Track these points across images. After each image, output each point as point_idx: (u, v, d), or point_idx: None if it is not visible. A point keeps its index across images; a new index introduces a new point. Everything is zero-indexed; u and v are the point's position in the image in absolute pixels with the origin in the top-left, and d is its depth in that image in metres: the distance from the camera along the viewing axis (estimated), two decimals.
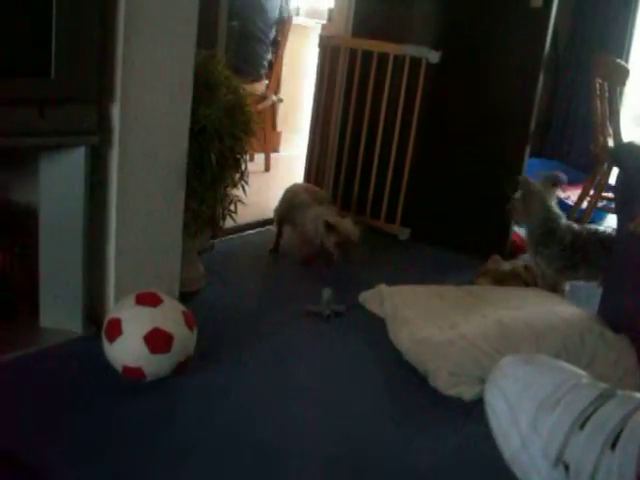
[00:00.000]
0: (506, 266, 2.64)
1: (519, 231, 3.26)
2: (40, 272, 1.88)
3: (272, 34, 4.48)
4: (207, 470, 1.41)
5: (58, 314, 1.90)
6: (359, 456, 1.53)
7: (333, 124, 3.50)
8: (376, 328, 2.22)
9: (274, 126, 5.24)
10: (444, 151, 3.24)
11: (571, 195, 3.91)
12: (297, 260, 2.81)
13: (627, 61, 4.61)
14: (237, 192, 2.29)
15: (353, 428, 1.64)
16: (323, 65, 3.50)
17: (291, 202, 2.85)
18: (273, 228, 3.02)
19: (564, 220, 2.52)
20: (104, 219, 1.88)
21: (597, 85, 3.72)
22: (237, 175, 2.25)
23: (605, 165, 3.75)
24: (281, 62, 4.73)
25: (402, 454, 1.56)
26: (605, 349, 1.97)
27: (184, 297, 2.11)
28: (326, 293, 2.27)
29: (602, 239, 2.43)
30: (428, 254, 3.15)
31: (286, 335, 2.12)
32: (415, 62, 3.15)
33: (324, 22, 4.12)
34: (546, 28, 2.94)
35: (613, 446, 1.05)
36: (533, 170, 3.09)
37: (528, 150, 3.09)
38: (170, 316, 1.70)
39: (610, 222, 4.09)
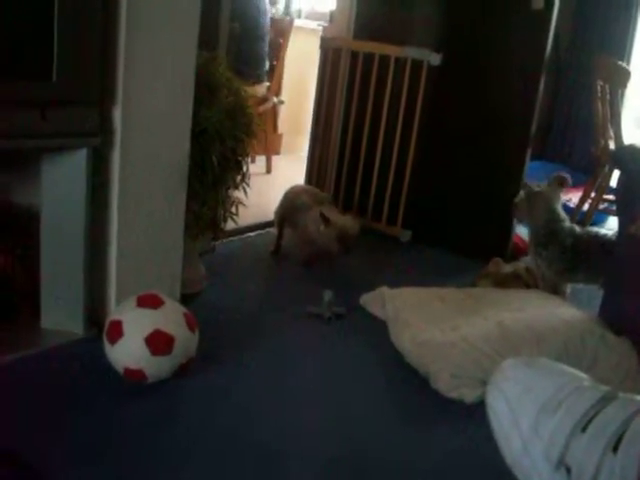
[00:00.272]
0: (507, 268, 2.63)
1: (520, 233, 3.26)
2: (41, 273, 1.88)
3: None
4: (208, 471, 1.41)
5: (59, 315, 1.90)
6: (360, 458, 1.53)
7: (334, 126, 3.50)
8: (377, 330, 2.22)
9: (275, 128, 5.25)
10: (445, 153, 3.24)
11: (572, 197, 3.91)
12: (298, 262, 2.81)
13: (628, 63, 4.61)
14: (238, 194, 2.29)
15: (354, 430, 1.64)
16: (324, 67, 3.50)
17: (292, 204, 2.85)
18: (274, 230, 3.02)
19: (567, 223, 2.51)
20: (105, 220, 1.88)
21: (598, 87, 3.72)
22: (238, 177, 2.25)
23: (606, 167, 3.75)
24: (282, 64, 4.73)
25: (403, 456, 1.56)
26: (606, 352, 1.97)
27: (185, 299, 2.11)
28: (327, 295, 2.27)
29: (603, 242, 2.43)
30: (429, 256, 3.15)
31: (287, 337, 2.12)
32: (416, 64, 3.16)
33: (326, 24, 4.13)
34: (547, 30, 2.95)
35: (615, 449, 1.05)
36: (534, 172, 3.10)
37: (529, 152, 3.09)
38: (171, 318, 1.70)
39: (611, 224, 4.10)
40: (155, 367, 1.65)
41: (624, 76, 3.73)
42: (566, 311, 2.21)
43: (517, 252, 3.16)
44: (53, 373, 1.72)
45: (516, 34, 3.03)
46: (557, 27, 3.02)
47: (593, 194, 3.78)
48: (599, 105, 3.73)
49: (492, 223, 3.15)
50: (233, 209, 2.29)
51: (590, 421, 1.09)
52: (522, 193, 2.64)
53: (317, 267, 2.79)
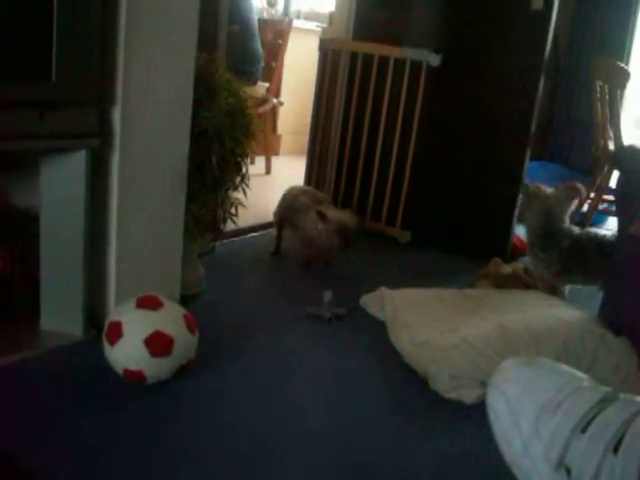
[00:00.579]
0: (507, 269, 2.63)
1: (519, 234, 3.26)
2: (41, 275, 1.88)
3: None
4: (208, 471, 1.41)
5: (59, 317, 1.90)
6: (359, 459, 1.53)
7: (334, 127, 3.50)
8: (377, 331, 2.22)
9: (275, 129, 5.25)
10: (445, 154, 3.24)
11: None
12: (298, 263, 2.81)
13: (627, 64, 4.61)
14: (238, 195, 2.29)
15: (353, 430, 1.64)
16: (324, 68, 3.50)
17: (291, 205, 2.85)
18: (274, 231, 3.02)
19: (565, 224, 2.50)
20: (105, 222, 1.88)
21: (597, 88, 3.72)
22: (238, 178, 2.25)
23: (605, 168, 3.75)
24: (282, 65, 4.73)
25: (402, 457, 1.55)
26: (606, 352, 1.97)
27: (185, 300, 2.11)
28: (327, 296, 2.27)
29: (602, 244, 2.42)
30: (428, 257, 3.15)
31: (287, 338, 2.11)
32: (416, 65, 3.16)
33: (325, 25, 4.13)
34: (547, 31, 2.95)
35: (615, 450, 1.05)
36: (534, 173, 3.10)
37: (528, 153, 3.10)
38: (171, 319, 1.70)
39: (611, 225, 4.10)
40: (155, 368, 1.65)
41: (623, 77, 3.73)
42: (565, 312, 2.21)
43: (516, 253, 3.16)
44: (52, 375, 1.72)
45: (515, 35, 3.03)
46: (556, 28, 3.03)
47: (593, 194, 3.79)
48: (598, 106, 3.73)
49: (491, 224, 3.15)
50: (232, 210, 2.29)
51: (590, 422, 1.09)
52: (522, 195, 2.63)
53: (316, 268, 2.79)
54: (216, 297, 2.33)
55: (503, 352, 1.85)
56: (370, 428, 1.67)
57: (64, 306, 1.89)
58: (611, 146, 3.70)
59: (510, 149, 3.10)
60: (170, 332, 1.66)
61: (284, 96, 5.04)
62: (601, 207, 3.87)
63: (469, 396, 1.81)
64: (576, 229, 2.51)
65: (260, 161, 4.61)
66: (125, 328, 1.64)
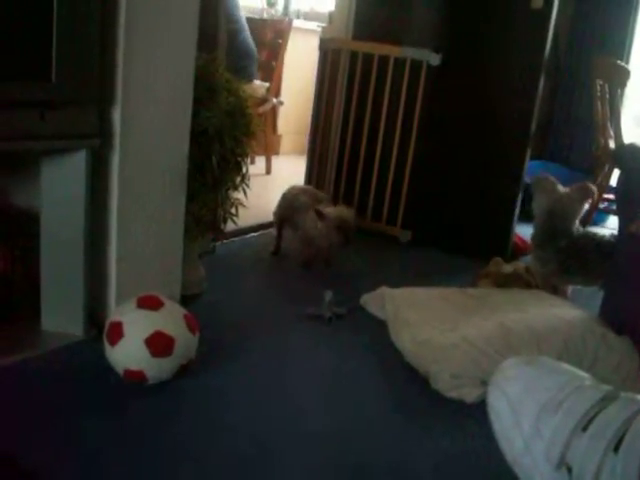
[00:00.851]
0: (508, 268, 2.63)
1: (520, 233, 3.26)
2: (41, 275, 1.88)
3: None
4: (209, 472, 1.41)
5: (59, 317, 1.90)
6: (359, 458, 1.52)
7: (334, 127, 3.50)
8: (377, 330, 2.22)
9: (275, 129, 5.25)
10: (445, 153, 3.24)
11: None
12: (298, 262, 2.81)
13: (627, 62, 4.61)
14: (238, 195, 2.29)
15: (354, 430, 1.64)
16: (324, 68, 3.50)
17: (290, 204, 2.85)
18: (274, 231, 3.02)
19: (573, 225, 2.48)
20: (105, 222, 1.88)
21: (598, 87, 3.72)
22: (238, 178, 2.25)
23: (606, 167, 3.75)
24: (282, 65, 4.73)
25: (403, 456, 1.55)
26: (607, 351, 1.97)
27: (185, 300, 2.11)
28: (327, 295, 2.27)
29: (601, 245, 2.42)
30: (429, 256, 3.15)
31: (287, 337, 2.11)
32: (416, 64, 3.16)
33: (325, 25, 4.13)
34: (547, 30, 2.95)
35: (616, 449, 1.05)
36: (534, 172, 3.09)
37: (529, 152, 3.09)
38: (171, 319, 1.70)
39: (612, 223, 4.10)
40: (155, 368, 1.65)
41: (623, 75, 3.73)
42: (567, 311, 2.21)
43: (517, 252, 3.16)
44: (53, 375, 1.72)
45: (515, 34, 3.03)
46: (556, 26, 3.03)
47: None
48: (599, 104, 3.73)
49: (492, 223, 3.15)
50: (233, 210, 2.29)
51: (591, 421, 1.09)
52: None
53: (317, 267, 2.79)
54: (217, 297, 2.33)
55: (504, 351, 1.85)
56: (371, 427, 1.66)
57: (65, 306, 1.89)
58: (612, 145, 3.70)
59: (510, 148, 3.10)
60: (171, 332, 1.65)
61: (284, 96, 5.04)
62: (602, 206, 3.87)
63: (470, 395, 1.81)
64: (576, 229, 2.50)
65: (260, 161, 4.61)
66: (126, 328, 1.64)
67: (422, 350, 1.98)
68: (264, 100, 4.53)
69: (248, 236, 3.14)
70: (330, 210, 2.69)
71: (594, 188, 2.54)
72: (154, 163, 1.92)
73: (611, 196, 3.67)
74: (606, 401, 1.11)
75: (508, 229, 3.14)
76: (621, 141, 3.64)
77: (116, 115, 1.79)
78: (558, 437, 1.10)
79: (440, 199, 3.28)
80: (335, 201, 3.36)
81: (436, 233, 3.27)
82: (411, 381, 1.91)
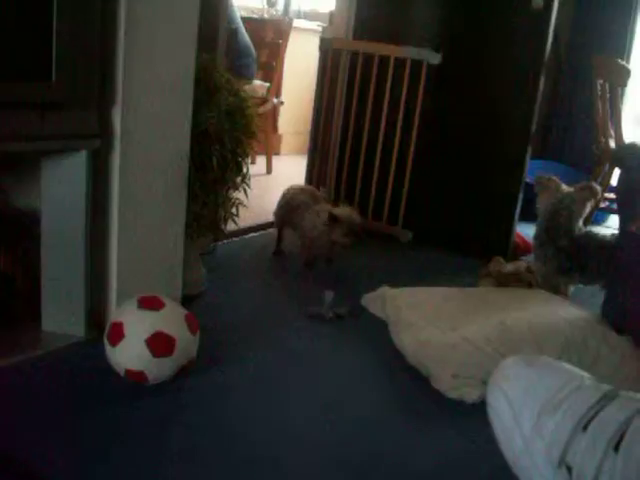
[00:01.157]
0: (509, 267, 2.63)
1: (521, 232, 3.26)
2: (42, 276, 1.89)
3: None
4: (209, 471, 1.41)
5: (60, 318, 1.90)
6: (360, 458, 1.53)
7: (334, 126, 3.50)
8: (378, 330, 2.22)
9: (275, 129, 5.26)
10: (446, 153, 3.24)
11: None
12: (300, 262, 2.81)
13: (628, 61, 4.60)
14: (239, 195, 2.29)
15: (355, 430, 1.64)
16: (324, 68, 3.50)
17: (290, 204, 2.85)
18: (274, 231, 3.02)
19: (576, 225, 2.48)
20: (106, 222, 1.88)
21: (598, 86, 3.72)
22: (239, 178, 2.25)
23: (607, 166, 3.75)
24: (282, 65, 4.74)
25: (404, 456, 1.55)
26: (608, 351, 1.97)
27: (186, 300, 2.11)
28: (328, 296, 2.27)
29: (602, 245, 2.42)
30: (430, 256, 3.15)
31: (288, 338, 2.11)
32: (416, 64, 3.16)
33: (325, 25, 4.13)
34: (547, 29, 2.95)
35: (616, 448, 1.05)
36: (535, 171, 3.09)
37: (530, 151, 3.09)
38: (173, 319, 1.70)
39: (612, 223, 4.10)
40: (156, 369, 1.65)
41: (624, 74, 3.73)
42: (568, 310, 2.21)
43: (518, 251, 3.16)
44: (54, 375, 1.72)
45: (516, 33, 3.03)
46: (557, 26, 3.02)
47: None
48: (599, 104, 3.73)
49: (493, 222, 3.15)
50: (233, 210, 2.29)
51: (591, 420, 1.09)
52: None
53: (318, 267, 2.79)
54: (217, 297, 2.33)
55: (505, 351, 1.85)
56: (372, 427, 1.67)
57: (66, 307, 1.89)
58: (612, 144, 3.69)
59: (511, 148, 3.10)
60: (172, 332, 1.66)
61: (285, 96, 5.04)
62: (602, 205, 3.86)
63: (471, 395, 1.81)
64: (580, 229, 2.50)
65: (261, 161, 4.61)
66: (127, 328, 1.64)
67: (423, 350, 1.98)
68: (265, 100, 4.54)
69: (249, 236, 3.15)
70: (340, 212, 2.67)
71: (599, 188, 2.54)
72: (154, 163, 1.92)
73: (612, 195, 3.67)
74: (606, 400, 1.11)
75: (509, 228, 3.14)
76: (622, 140, 3.64)
77: (116, 116, 1.79)
78: (558, 437, 1.10)
79: (441, 199, 3.28)
80: (336, 201, 3.36)
81: (437, 233, 3.27)
82: (412, 381, 1.91)
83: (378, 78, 3.27)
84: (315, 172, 3.62)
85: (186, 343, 1.69)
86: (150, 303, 1.70)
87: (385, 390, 1.89)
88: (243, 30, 4.36)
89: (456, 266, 3.03)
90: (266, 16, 5.61)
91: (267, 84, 4.61)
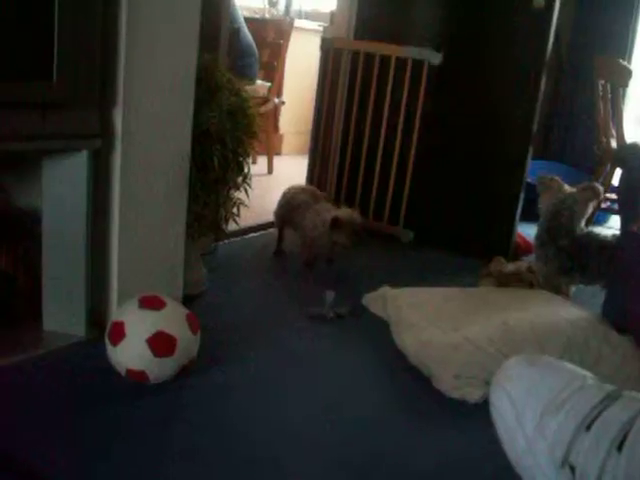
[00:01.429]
0: (510, 268, 2.63)
1: (522, 232, 3.26)
2: (43, 275, 1.88)
3: None
4: (210, 472, 1.41)
5: (61, 317, 1.90)
6: (362, 458, 1.52)
7: (335, 126, 3.50)
8: (379, 330, 2.21)
9: (277, 128, 5.26)
10: (447, 153, 3.24)
11: None
12: (301, 261, 2.81)
13: (629, 62, 4.60)
14: (240, 195, 2.29)
15: (356, 430, 1.64)
16: (325, 68, 3.50)
17: (290, 204, 2.84)
18: (275, 231, 3.02)
19: (577, 225, 2.48)
20: (107, 222, 1.88)
21: (600, 86, 3.71)
22: (240, 178, 2.25)
23: (608, 166, 3.75)
24: (283, 65, 4.74)
25: (405, 456, 1.55)
26: (610, 351, 1.96)
27: (187, 300, 2.11)
28: (329, 295, 2.27)
29: (603, 245, 2.42)
30: (431, 256, 3.15)
31: (289, 337, 2.11)
32: (417, 64, 3.15)
33: (326, 25, 4.13)
34: (548, 29, 2.94)
35: (620, 448, 1.04)
36: (536, 172, 3.09)
37: (531, 151, 3.09)
38: (174, 319, 1.70)
39: (614, 223, 4.09)
40: (158, 368, 1.65)
41: (625, 75, 3.72)
42: (569, 310, 2.21)
43: (519, 251, 3.16)
44: (55, 375, 1.72)
45: (517, 33, 3.03)
46: (558, 26, 3.02)
47: None
48: (601, 104, 3.72)
49: (494, 222, 3.15)
50: (234, 210, 2.29)
51: (594, 420, 1.09)
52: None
53: (319, 267, 2.79)
54: (218, 297, 2.33)
55: (507, 351, 1.85)
56: (373, 428, 1.66)
57: (67, 306, 1.89)
58: (613, 144, 3.69)
59: (512, 148, 3.10)
60: (173, 332, 1.65)
61: (286, 95, 5.04)
62: (604, 205, 3.86)
63: (473, 395, 1.80)
64: (581, 229, 2.50)
65: (262, 161, 4.61)
66: (128, 328, 1.64)
67: (424, 350, 1.97)
68: (266, 100, 4.54)
69: (250, 236, 3.14)
70: (343, 214, 2.66)
71: (601, 188, 2.54)
72: (155, 163, 1.92)
73: (613, 195, 3.67)
74: (609, 400, 1.11)
75: (510, 229, 3.13)
76: (623, 140, 3.64)
77: (117, 116, 1.79)
78: (561, 437, 1.10)
79: (442, 199, 3.28)
80: (337, 201, 3.36)
81: (438, 233, 3.27)
82: (414, 381, 1.91)
83: (379, 78, 3.27)
84: (316, 172, 3.62)
85: (187, 343, 1.69)
86: (151, 303, 1.70)
87: (386, 390, 1.89)
88: (245, 30, 4.35)
89: (457, 266, 3.03)
90: (267, 16, 5.61)
91: (268, 84, 4.61)
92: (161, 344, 1.63)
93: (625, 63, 4.03)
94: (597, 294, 2.43)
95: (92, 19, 1.67)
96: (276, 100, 4.71)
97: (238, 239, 3.03)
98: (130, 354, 1.64)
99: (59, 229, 1.84)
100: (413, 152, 3.23)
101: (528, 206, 3.07)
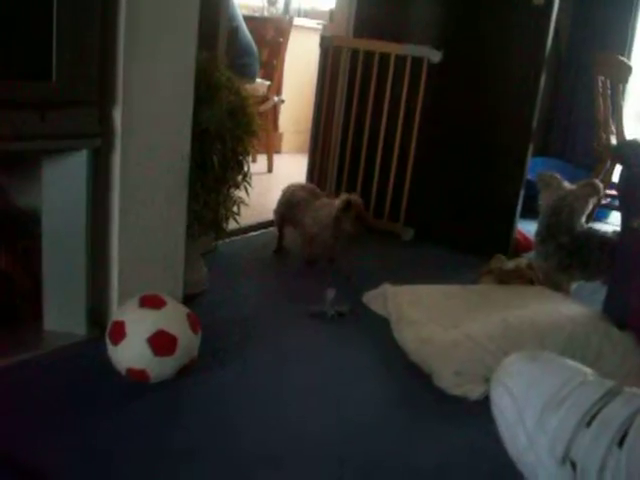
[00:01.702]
0: (510, 265, 2.63)
1: (522, 229, 3.26)
2: (44, 275, 1.88)
3: None
4: (211, 472, 1.41)
5: (62, 317, 1.90)
6: (362, 456, 1.52)
7: (335, 124, 3.50)
8: (380, 328, 2.21)
9: (276, 127, 5.25)
10: (447, 150, 3.24)
11: None
12: (302, 259, 2.81)
13: (629, 58, 4.60)
14: (240, 193, 2.29)
15: (357, 428, 1.64)
16: (325, 66, 3.50)
17: (290, 201, 2.84)
18: (276, 229, 3.02)
19: (578, 222, 2.48)
20: (107, 221, 1.88)
21: (599, 82, 3.71)
22: (240, 176, 2.25)
23: (608, 163, 3.74)
24: (283, 63, 4.73)
25: (406, 454, 1.55)
26: (610, 347, 1.96)
27: (188, 299, 2.11)
28: (330, 293, 2.27)
29: (603, 241, 2.42)
30: (432, 254, 3.15)
31: (290, 336, 2.11)
32: (417, 62, 3.15)
33: (325, 23, 4.13)
34: (548, 26, 2.94)
35: (620, 443, 1.04)
36: (537, 169, 3.09)
37: (531, 148, 3.09)
38: (174, 318, 1.70)
39: (614, 220, 4.09)
40: (158, 367, 1.65)
41: (625, 71, 3.72)
42: (569, 307, 2.21)
43: (519, 249, 3.15)
44: (56, 374, 1.72)
45: (516, 30, 3.02)
46: (557, 22, 3.02)
47: None
48: (600, 100, 3.72)
49: (494, 220, 3.15)
50: (235, 209, 2.29)
51: (595, 416, 1.09)
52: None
53: (320, 265, 2.79)
54: (219, 296, 2.33)
55: (507, 348, 1.85)
56: (374, 425, 1.66)
57: (67, 306, 1.89)
58: (613, 140, 3.69)
59: (512, 145, 3.10)
60: (173, 331, 1.65)
61: (285, 94, 5.04)
62: (604, 202, 3.86)
63: (473, 392, 1.81)
64: (581, 226, 2.49)
65: (262, 159, 4.61)
66: (128, 327, 1.64)
67: (425, 348, 1.98)
68: (265, 98, 4.54)
69: (250, 235, 3.14)
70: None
71: (601, 185, 2.54)
72: (155, 162, 1.92)
73: (613, 192, 3.67)
74: (610, 396, 1.11)
75: (510, 226, 3.13)
76: (623, 137, 3.64)
77: (117, 115, 1.79)
78: (562, 433, 1.10)
79: (442, 196, 3.28)
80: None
81: (438, 230, 3.26)
82: (414, 379, 1.91)
83: (379, 76, 3.27)
84: (316, 170, 3.62)
85: (188, 342, 1.69)
86: (151, 302, 1.70)
87: (387, 388, 1.89)
88: (245, 28, 4.35)
89: (457, 263, 3.03)
90: (266, 14, 5.60)
91: (268, 82, 4.60)
92: (161, 343, 1.63)
93: (625, 59, 4.03)
94: (598, 290, 2.43)
95: (91, 18, 1.67)
96: (275, 99, 4.71)
97: (238, 238, 3.03)
98: (131, 353, 1.64)
99: (59, 228, 1.84)
100: (413, 149, 3.23)
101: (528, 203, 3.07)
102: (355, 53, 3.36)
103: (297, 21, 5.11)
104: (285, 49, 4.70)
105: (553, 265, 2.50)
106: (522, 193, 3.10)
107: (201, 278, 2.33)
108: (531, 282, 2.55)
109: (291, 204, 2.83)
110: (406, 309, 2.24)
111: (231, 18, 4.01)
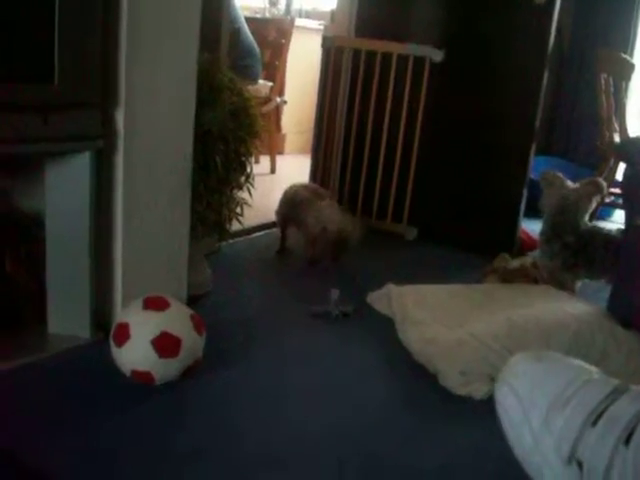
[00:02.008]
0: (514, 263, 2.62)
1: (527, 228, 3.25)
2: (47, 278, 1.88)
3: None
4: (214, 473, 1.41)
5: (66, 320, 1.90)
6: (367, 456, 1.52)
7: (338, 125, 3.50)
8: (384, 328, 2.21)
9: (279, 128, 5.25)
10: (450, 150, 3.23)
11: None
12: (305, 260, 2.80)
13: (632, 55, 4.59)
14: (243, 194, 2.29)
15: (361, 428, 1.63)
16: (327, 66, 3.50)
17: (292, 202, 2.84)
18: (278, 230, 3.01)
19: (581, 221, 2.48)
20: (110, 224, 1.88)
21: (602, 80, 3.70)
22: (243, 177, 2.25)
23: (611, 161, 3.74)
24: (285, 64, 4.74)
25: (411, 454, 1.55)
26: (615, 346, 1.96)
27: (192, 300, 2.10)
28: (334, 294, 2.27)
29: (608, 240, 2.41)
30: (435, 253, 3.15)
31: (294, 336, 2.11)
32: (419, 61, 3.15)
33: (327, 23, 4.13)
34: (550, 24, 2.94)
35: (627, 442, 1.04)
36: (540, 167, 3.08)
37: (534, 147, 3.08)
38: (178, 320, 1.70)
39: (618, 218, 4.08)
40: (163, 369, 1.65)
41: (628, 69, 3.71)
42: (574, 306, 2.20)
43: (524, 247, 3.15)
44: (60, 377, 1.72)
45: (518, 29, 3.02)
46: (560, 21, 3.01)
47: None
48: (603, 98, 3.72)
49: (498, 219, 3.14)
50: (238, 210, 2.29)
51: (601, 415, 1.08)
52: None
53: (323, 266, 2.78)
54: (222, 297, 2.33)
55: (512, 347, 1.85)
56: (378, 426, 1.66)
57: (71, 309, 1.89)
58: (617, 138, 3.68)
59: (515, 144, 3.09)
60: (177, 333, 1.65)
61: (288, 95, 5.04)
62: (608, 200, 3.85)
63: (479, 392, 1.80)
64: (585, 224, 2.49)
65: (265, 160, 4.61)
66: (132, 329, 1.64)
67: (430, 347, 1.97)
68: (268, 99, 4.54)
69: (253, 235, 3.14)
70: (335, 220, 2.68)
71: (604, 183, 2.54)
72: (158, 164, 1.92)
73: (617, 190, 3.66)
74: (616, 394, 1.11)
75: (514, 225, 3.13)
76: (626, 135, 3.63)
77: (119, 117, 1.79)
78: (568, 432, 1.09)
79: (446, 196, 3.27)
80: (340, 199, 3.36)
81: (442, 230, 3.26)
82: (419, 378, 1.91)
83: (381, 76, 3.27)
84: (319, 170, 3.62)
85: (192, 343, 1.69)
86: (155, 304, 1.70)
87: (392, 387, 1.88)
88: (246, 30, 4.35)
89: (461, 263, 3.02)
90: (268, 15, 5.61)
91: (270, 83, 4.61)
92: (166, 345, 1.63)
93: (627, 57, 4.03)
94: (602, 289, 2.42)
95: (92, 21, 1.67)
96: (278, 100, 4.71)
97: (242, 239, 3.03)
98: (135, 355, 1.64)
99: (63, 231, 1.84)
100: (416, 149, 3.22)
101: (531, 203, 3.06)
102: (357, 53, 3.36)
103: (299, 22, 5.11)
104: (287, 50, 4.71)
105: (558, 264, 2.50)
106: (525, 192, 3.10)
107: (205, 279, 2.33)
108: (535, 281, 2.54)
109: (293, 204, 2.83)
110: (411, 309, 2.24)
111: (233, 20, 4.02)
